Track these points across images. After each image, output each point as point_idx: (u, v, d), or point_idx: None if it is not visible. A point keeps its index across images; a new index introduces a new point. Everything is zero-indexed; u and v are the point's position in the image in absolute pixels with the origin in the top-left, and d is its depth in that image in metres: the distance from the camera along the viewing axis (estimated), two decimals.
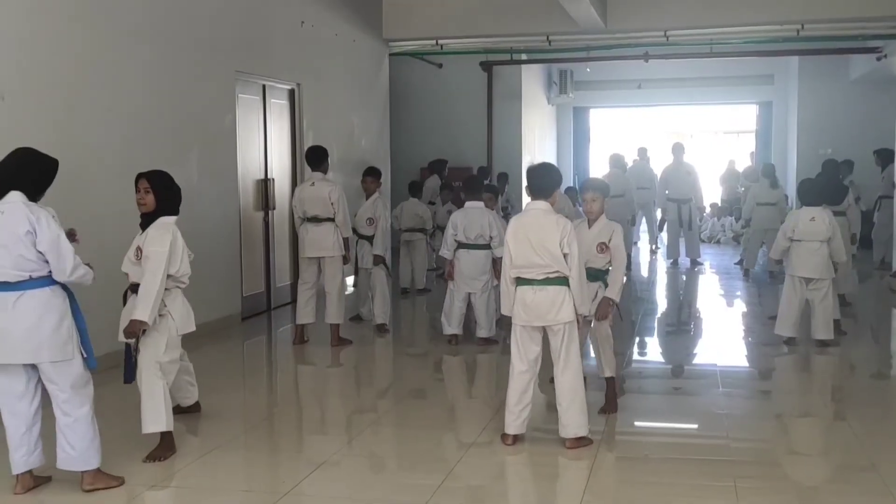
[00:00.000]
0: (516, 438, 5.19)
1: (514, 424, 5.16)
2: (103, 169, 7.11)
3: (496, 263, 7.87)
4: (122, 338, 5.08)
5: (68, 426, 4.39)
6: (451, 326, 8.05)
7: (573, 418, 5.08)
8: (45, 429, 4.52)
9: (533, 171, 5.22)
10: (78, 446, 4.42)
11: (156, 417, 5.03)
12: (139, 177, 5.11)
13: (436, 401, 6.62)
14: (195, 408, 5.81)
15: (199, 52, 8.54)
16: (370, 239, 8.77)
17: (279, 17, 10.15)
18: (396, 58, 14.33)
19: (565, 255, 4.95)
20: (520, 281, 5.06)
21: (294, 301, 9.57)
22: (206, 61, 8.66)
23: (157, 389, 5.03)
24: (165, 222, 5.00)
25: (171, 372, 5.15)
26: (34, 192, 4.32)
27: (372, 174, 8.94)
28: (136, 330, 4.89)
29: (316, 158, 8.11)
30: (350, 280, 9.56)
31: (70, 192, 6.68)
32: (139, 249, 4.98)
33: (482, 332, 8.00)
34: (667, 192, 13.73)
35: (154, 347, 5.04)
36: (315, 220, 7.94)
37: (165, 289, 4.96)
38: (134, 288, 5.00)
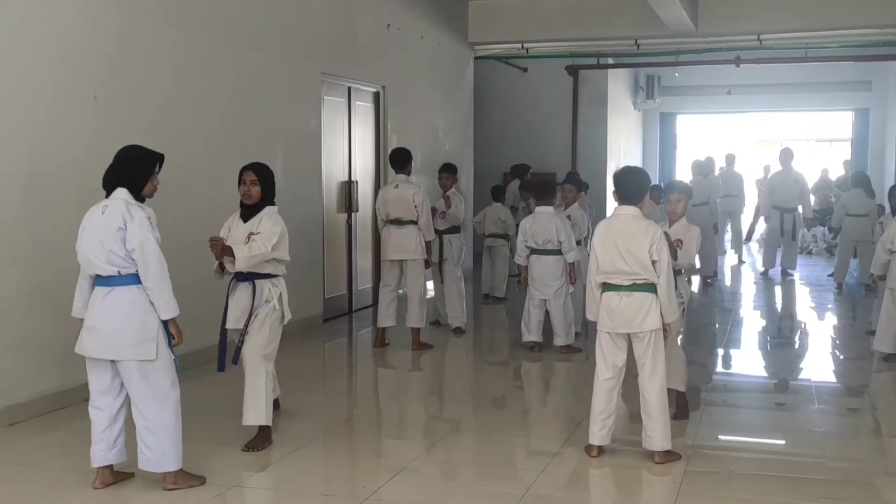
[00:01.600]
0: (601, 450, 5.04)
1: (598, 434, 5.01)
2: (192, 170, 7.19)
3: (570, 268, 7.72)
4: (229, 324, 5.22)
5: (146, 429, 4.38)
6: (530, 333, 7.92)
7: (660, 430, 4.91)
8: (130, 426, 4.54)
9: (621, 175, 5.07)
10: (156, 449, 4.40)
11: (257, 410, 5.13)
12: (245, 169, 5.26)
13: (515, 409, 6.50)
14: (275, 406, 5.79)
15: (286, 54, 8.60)
16: (444, 234, 8.71)
17: (365, 20, 10.18)
18: (481, 61, 14.27)
19: (654, 262, 4.80)
20: (606, 286, 4.93)
21: (375, 304, 9.57)
22: (293, 64, 8.72)
23: (260, 381, 5.13)
24: (274, 210, 5.24)
25: (272, 361, 5.27)
26: (135, 189, 4.36)
27: (447, 170, 8.91)
28: (222, 250, 5.03)
29: (400, 160, 8.08)
30: (430, 284, 9.51)
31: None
32: (252, 234, 5.11)
33: (559, 340, 7.85)
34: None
35: (260, 337, 5.16)
36: (398, 222, 7.91)
37: (272, 275, 5.19)
38: (239, 277, 5.19)
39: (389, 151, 10.31)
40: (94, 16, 6.26)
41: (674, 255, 5.24)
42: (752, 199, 15.90)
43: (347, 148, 9.99)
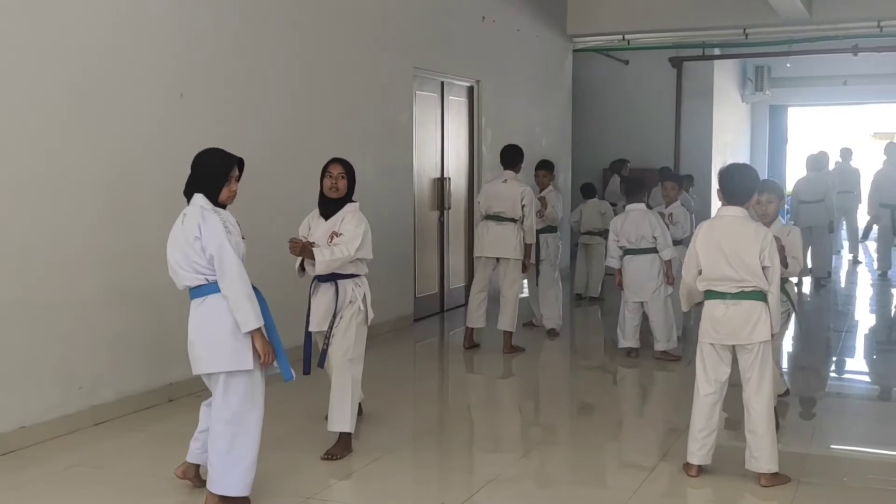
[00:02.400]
0: (700, 469, 4.66)
1: (698, 454, 4.63)
2: (279, 167, 7.09)
3: (667, 267, 7.32)
4: (312, 327, 5.06)
5: (213, 440, 4.11)
6: (626, 339, 7.53)
7: (767, 450, 4.50)
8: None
9: (726, 173, 4.67)
10: (215, 463, 4.11)
11: (343, 417, 4.95)
12: (332, 162, 5.08)
13: (609, 418, 6.14)
14: (358, 410, 5.60)
15: (378, 48, 8.43)
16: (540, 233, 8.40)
17: (459, 11, 9.94)
18: (580, 54, 13.87)
19: (765, 269, 4.39)
20: (709, 294, 4.54)
21: (468, 303, 9.36)
22: (385, 57, 8.55)
23: (347, 386, 4.96)
24: (357, 208, 5.04)
25: (359, 365, 5.10)
26: (211, 195, 4.12)
27: (544, 167, 8.62)
28: (302, 249, 4.85)
29: (512, 157, 7.82)
30: (525, 283, 9.21)
31: (243, 190, 6.70)
32: (334, 234, 4.94)
33: (659, 345, 7.42)
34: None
35: (346, 340, 4.99)
36: (498, 218, 7.64)
37: (357, 275, 5.01)
38: (321, 278, 5.00)
39: (484, 147, 10.11)
40: (183, 11, 6.19)
41: (784, 263, 4.81)
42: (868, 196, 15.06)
43: (440, 144, 9.77)
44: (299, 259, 5.04)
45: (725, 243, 4.44)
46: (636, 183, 7.79)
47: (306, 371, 5.11)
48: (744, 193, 4.55)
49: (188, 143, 5.68)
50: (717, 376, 4.59)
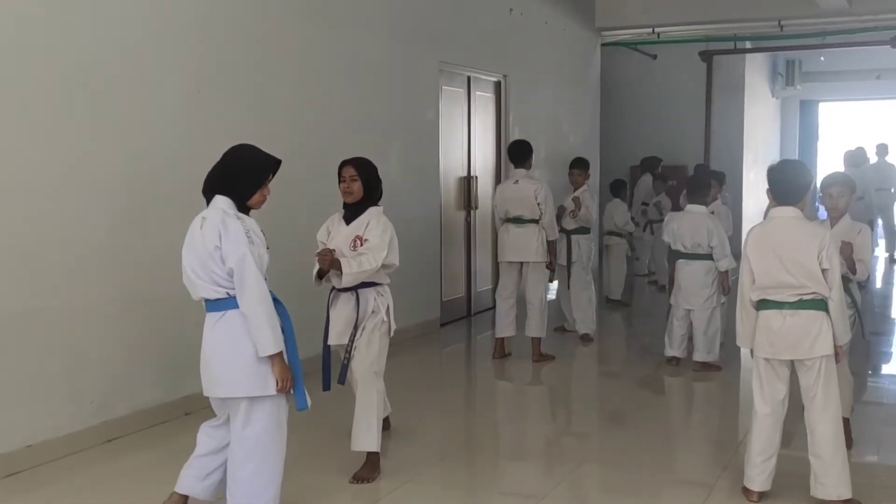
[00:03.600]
0: (762, 495, 4.28)
1: (757, 480, 4.25)
2: (301, 165, 6.75)
3: (724, 278, 6.90)
4: (331, 340, 4.71)
5: (234, 468, 3.79)
6: (672, 348, 7.13)
7: (836, 476, 4.11)
8: None
9: (778, 171, 4.29)
10: (239, 494, 3.79)
11: (368, 435, 4.60)
12: (344, 164, 4.73)
13: (652, 433, 5.77)
14: (385, 425, 5.24)
15: (403, 42, 8.09)
16: (572, 234, 8.05)
17: (486, 4, 9.58)
18: (608, 48, 13.48)
19: (824, 272, 4.00)
20: (764, 304, 4.14)
21: (495, 307, 9.04)
22: (410, 52, 8.20)
23: (373, 403, 4.62)
24: (380, 212, 4.70)
25: (381, 378, 4.76)
26: (238, 197, 3.73)
27: (579, 166, 8.26)
28: (331, 263, 4.48)
29: (520, 154, 7.41)
30: (554, 285, 8.85)
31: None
32: (358, 239, 4.59)
33: (699, 355, 7.00)
34: None
35: (369, 353, 4.65)
36: (517, 221, 7.26)
37: (379, 284, 4.68)
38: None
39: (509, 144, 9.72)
40: (200, 6, 5.86)
41: (851, 268, 4.42)
42: None
43: (467, 141, 9.42)
44: (317, 266, 4.67)
45: (781, 247, 4.06)
46: (700, 183, 7.27)
47: (326, 387, 4.76)
48: (797, 192, 4.17)
49: (206, 143, 5.38)
50: (774, 394, 4.20)
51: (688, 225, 6.89)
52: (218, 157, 5.11)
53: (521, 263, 7.35)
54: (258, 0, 6.37)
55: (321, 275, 4.69)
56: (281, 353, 3.66)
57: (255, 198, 3.77)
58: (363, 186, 4.68)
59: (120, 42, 5.30)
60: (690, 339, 7.12)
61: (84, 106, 5.09)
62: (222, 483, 3.90)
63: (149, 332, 5.44)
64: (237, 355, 3.65)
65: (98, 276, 5.13)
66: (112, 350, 5.25)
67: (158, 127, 5.53)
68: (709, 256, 6.87)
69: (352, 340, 4.65)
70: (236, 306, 3.64)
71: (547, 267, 7.37)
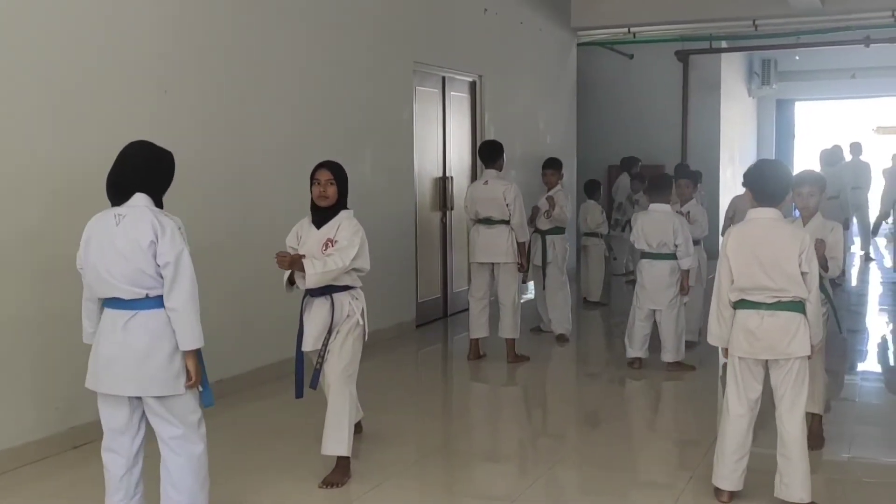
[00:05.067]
0: (732, 495, 4.26)
1: (729, 478, 4.23)
2: (270, 166, 6.70)
3: (684, 276, 6.88)
4: (306, 346, 4.64)
5: (179, 468, 3.75)
6: (634, 349, 7.07)
7: (800, 477, 4.09)
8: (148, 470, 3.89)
9: (758, 171, 4.25)
10: (186, 491, 3.76)
11: (339, 438, 4.54)
12: (319, 167, 4.64)
13: (626, 433, 5.76)
14: (357, 429, 5.13)
15: (376, 41, 8.04)
16: (547, 234, 8.02)
17: (460, 4, 9.54)
18: (584, 48, 13.49)
19: (803, 275, 3.99)
20: (741, 303, 4.13)
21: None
22: (383, 51, 8.15)
23: (345, 406, 4.56)
24: (351, 215, 4.64)
25: (354, 383, 4.69)
26: (159, 194, 3.71)
27: (552, 166, 8.22)
28: (291, 263, 4.46)
29: (490, 154, 7.38)
30: (531, 285, 8.82)
31: (235, 192, 6.34)
32: (329, 242, 4.52)
33: (668, 356, 6.96)
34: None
35: (342, 356, 4.58)
36: (488, 221, 7.22)
37: (352, 287, 4.61)
38: (314, 292, 4.60)
39: (479, 145, 9.71)
40: (170, 4, 5.79)
41: (823, 266, 4.41)
42: (877, 191, 14.72)
43: (442, 142, 9.38)
44: (287, 272, 4.62)
45: (760, 249, 4.04)
46: (661, 181, 7.23)
47: (299, 394, 4.72)
48: (778, 193, 4.15)
49: (173, 145, 5.28)
50: (750, 394, 4.18)
51: (652, 224, 6.85)
52: (184, 158, 5.05)
53: (493, 264, 7.32)
54: (227, 0, 6.30)
55: (292, 280, 4.63)
56: (200, 349, 3.68)
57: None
58: (337, 190, 4.62)
59: (86, 41, 5.21)
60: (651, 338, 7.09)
61: (52, 105, 5.00)
62: (144, 496, 3.86)
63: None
64: (155, 355, 3.61)
65: (62, 278, 5.03)
66: (77, 355, 5.13)
67: (125, 128, 5.44)
68: (673, 256, 6.83)
69: (325, 344, 4.59)
70: (150, 307, 3.60)
71: (518, 270, 7.34)
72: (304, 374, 4.71)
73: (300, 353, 4.72)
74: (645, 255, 6.93)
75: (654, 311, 6.95)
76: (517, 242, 7.22)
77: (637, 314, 7.01)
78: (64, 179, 5.07)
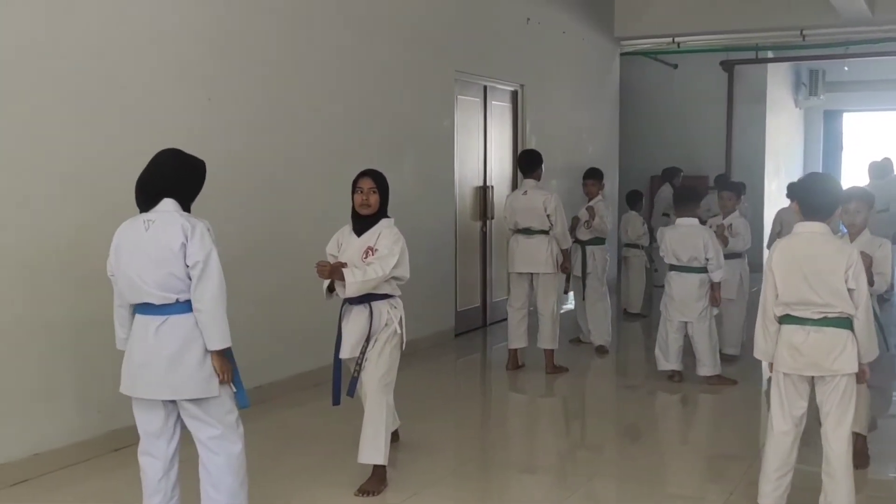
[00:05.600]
0: None
1: (772, 496, 4.15)
2: (311, 174, 6.74)
3: (715, 289, 6.77)
4: (344, 354, 4.64)
5: (218, 468, 3.78)
6: (669, 361, 6.95)
7: (844, 497, 4.00)
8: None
9: (807, 185, 4.16)
10: (227, 490, 3.79)
11: (376, 447, 4.54)
12: (362, 176, 4.65)
13: (661, 446, 5.69)
14: (393, 437, 5.15)
15: (418, 50, 8.06)
16: (587, 245, 7.97)
17: (503, 13, 9.53)
18: (627, 58, 13.39)
19: (850, 291, 3.91)
20: (787, 319, 4.05)
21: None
22: (425, 61, 8.17)
23: (382, 414, 4.56)
24: (392, 223, 4.64)
25: (391, 392, 4.70)
26: (187, 200, 3.76)
27: (593, 176, 8.17)
28: (331, 272, 4.44)
29: (529, 163, 7.35)
30: (570, 296, 8.75)
31: (272, 200, 6.38)
32: (370, 250, 4.52)
33: (704, 370, 6.85)
34: None
35: (380, 365, 4.58)
36: (527, 232, 7.19)
37: (391, 296, 4.61)
38: (353, 300, 4.59)
39: (518, 154, 9.68)
40: (211, 12, 5.86)
41: (870, 281, 4.31)
42: None
43: (483, 151, 9.37)
44: (328, 280, 4.63)
45: (806, 264, 3.96)
46: (688, 194, 7.12)
47: (336, 402, 4.73)
48: (827, 208, 4.07)
49: (217, 153, 5.37)
50: (794, 411, 4.10)
51: (680, 239, 6.74)
52: (227, 165, 5.10)
53: (532, 274, 7.28)
54: (271, 8, 6.36)
55: (332, 287, 4.64)
56: (230, 347, 3.70)
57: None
58: (380, 199, 4.63)
59: (132, 49, 5.29)
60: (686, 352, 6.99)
61: (98, 112, 5.08)
62: (181, 499, 3.90)
63: None
64: (187, 358, 3.65)
65: (105, 284, 5.10)
66: (117, 359, 5.19)
67: (169, 136, 5.50)
68: (703, 269, 6.72)
69: (363, 352, 4.60)
70: (180, 311, 3.63)
71: (562, 270, 7.29)
72: (342, 382, 4.71)
73: (338, 361, 4.72)
74: (673, 266, 6.84)
75: (684, 323, 6.86)
76: (561, 249, 7.19)
77: (668, 326, 6.91)
78: (107, 187, 5.14)
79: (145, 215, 3.68)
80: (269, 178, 6.36)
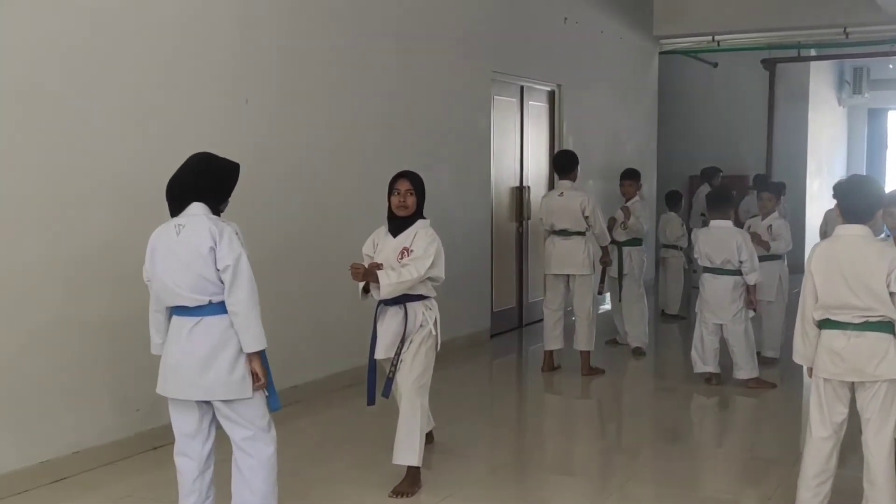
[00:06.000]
0: None
1: (811, 503, 4.08)
2: (347, 175, 6.77)
3: (751, 291, 6.67)
4: (378, 355, 4.64)
5: (251, 469, 3.80)
6: (706, 364, 6.88)
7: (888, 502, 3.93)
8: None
9: (847, 187, 4.10)
10: (259, 492, 3.81)
11: (410, 448, 4.54)
12: (399, 177, 4.65)
13: (698, 450, 5.63)
14: (428, 439, 5.17)
15: (454, 51, 8.05)
16: (623, 246, 7.92)
17: (540, 13, 9.49)
18: (666, 56, 13.27)
19: (892, 295, 3.83)
20: (827, 323, 3.98)
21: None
22: (461, 61, 8.16)
23: (416, 416, 4.56)
24: (428, 224, 4.64)
25: (427, 393, 4.70)
26: (216, 203, 3.79)
27: (630, 177, 8.13)
28: (365, 274, 4.43)
29: (565, 164, 7.30)
30: (607, 297, 8.69)
31: (309, 200, 6.41)
32: (406, 250, 4.53)
33: (741, 373, 6.77)
34: None
35: (415, 366, 4.58)
36: (563, 233, 7.15)
37: (427, 297, 4.61)
38: (388, 301, 4.59)
39: (554, 155, 9.65)
40: (248, 14, 5.90)
41: None
42: None
43: (519, 151, 9.34)
44: (362, 282, 4.62)
45: (847, 266, 3.89)
46: (721, 196, 7.04)
47: (371, 402, 4.74)
48: (867, 211, 3.99)
49: (252, 153, 5.41)
50: (834, 417, 4.02)
51: (713, 242, 6.66)
52: (263, 166, 5.11)
53: (568, 276, 7.25)
54: (308, 9, 6.39)
55: (367, 289, 4.64)
56: (264, 350, 3.72)
57: (224, 204, 3.86)
58: (416, 200, 4.63)
59: (163, 51, 5.35)
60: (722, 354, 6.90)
61: (133, 115, 5.15)
62: (216, 499, 3.93)
63: None
64: (219, 359, 3.67)
65: (142, 284, 5.15)
66: (156, 359, 5.27)
67: (203, 137, 5.56)
68: (737, 271, 6.63)
69: (398, 353, 4.60)
70: (214, 313, 3.66)
71: (601, 263, 7.29)
72: (377, 382, 4.72)
73: (373, 362, 4.73)
74: (707, 268, 6.75)
75: (720, 325, 6.77)
76: (599, 246, 7.16)
77: (703, 328, 6.84)
78: (145, 189, 5.19)
79: (177, 219, 3.72)
80: (306, 178, 6.39)
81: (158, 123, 5.30)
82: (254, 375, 3.71)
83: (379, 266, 4.53)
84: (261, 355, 3.72)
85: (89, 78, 4.91)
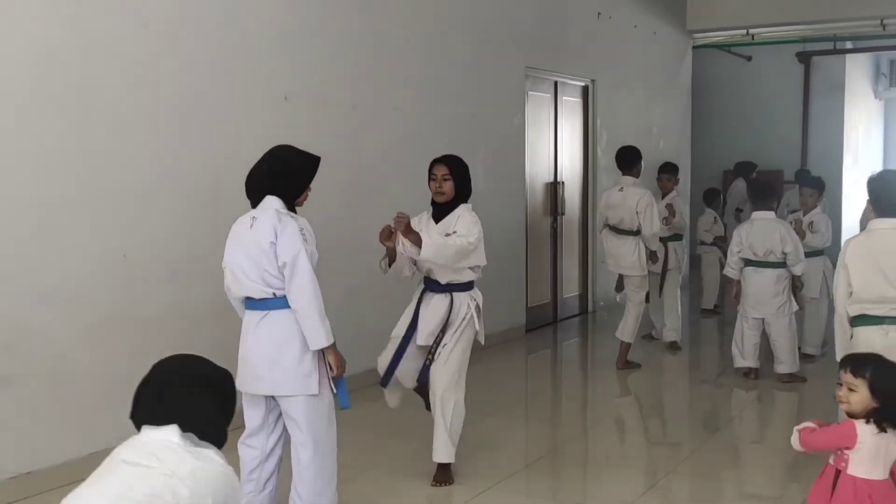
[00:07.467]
0: None
1: None
2: (384, 170, 6.82)
3: (796, 282, 6.64)
4: (421, 340, 4.57)
5: (305, 466, 3.81)
6: (745, 359, 6.84)
7: None
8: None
9: (880, 181, 4.09)
10: (306, 495, 3.83)
11: (448, 445, 4.55)
12: (436, 162, 4.62)
13: (736, 444, 5.61)
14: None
15: (489, 47, 8.07)
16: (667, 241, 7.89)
17: (573, 8, 9.48)
18: (700, 50, 13.19)
19: None
20: (863, 319, 3.96)
21: (582, 313, 8.98)
22: (495, 57, 8.18)
23: (454, 410, 4.55)
24: (470, 208, 4.57)
25: (463, 388, 4.64)
26: (289, 197, 3.80)
27: (668, 171, 8.10)
28: (407, 227, 4.25)
29: (627, 160, 7.26)
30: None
31: (350, 194, 6.47)
32: (448, 236, 4.47)
33: (782, 367, 6.73)
34: None
35: (453, 361, 4.54)
36: (616, 230, 7.16)
37: (471, 288, 4.60)
38: (434, 288, 4.57)
39: (598, 150, 9.64)
40: (286, 12, 5.97)
41: None
42: None
43: (553, 147, 9.34)
44: (385, 253, 4.50)
45: (884, 259, 3.88)
46: (764, 188, 7.02)
47: (384, 383, 4.68)
48: None
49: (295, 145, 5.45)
50: None
51: (757, 233, 6.62)
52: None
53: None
54: (344, 7, 6.44)
55: (390, 261, 4.52)
56: (334, 343, 3.72)
57: (302, 196, 3.86)
58: (454, 186, 4.56)
59: (210, 51, 5.43)
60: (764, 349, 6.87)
61: (179, 112, 5.23)
62: (277, 489, 3.95)
63: (235, 335, 5.53)
64: (283, 354, 3.70)
65: (196, 279, 5.25)
66: (201, 353, 5.35)
67: (247, 134, 5.64)
68: (780, 264, 6.59)
69: (437, 342, 4.53)
70: (280, 307, 3.69)
71: (651, 259, 7.23)
72: (395, 367, 4.64)
73: (403, 345, 4.64)
74: (749, 262, 6.70)
75: (761, 319, 6.74)
76: (649, 250, 7.16)
77: (744, 323, 6.81)
78: (192, 186, 5.29)
79: (253, 212, 3.77)
80: (344, 174, 6.43)
81: (207, 121, 5.37)
82: (329, 367, 3.73)
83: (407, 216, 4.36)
84: (334, 348, 3.73)
85: (134, 78, 4.99)
